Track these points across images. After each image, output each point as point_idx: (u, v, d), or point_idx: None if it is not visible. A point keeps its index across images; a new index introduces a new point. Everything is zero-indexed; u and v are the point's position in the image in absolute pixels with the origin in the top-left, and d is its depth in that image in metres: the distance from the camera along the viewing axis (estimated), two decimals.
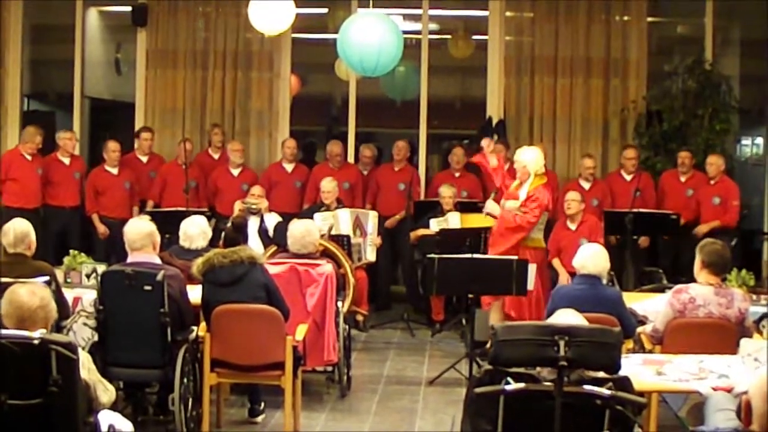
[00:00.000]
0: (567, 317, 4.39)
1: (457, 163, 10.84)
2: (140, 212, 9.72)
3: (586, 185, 10.30)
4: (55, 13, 12.40)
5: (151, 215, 7.43)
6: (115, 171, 10.52)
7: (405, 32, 8.47)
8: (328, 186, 9.81)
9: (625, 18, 11.28)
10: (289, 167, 10.87)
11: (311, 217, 8.97)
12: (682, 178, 10.33)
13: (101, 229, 10.36)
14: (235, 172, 10.69)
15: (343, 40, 7.91)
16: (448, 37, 13.10)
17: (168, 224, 7.78)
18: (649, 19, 11.39)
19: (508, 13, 11.41)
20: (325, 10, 12.74)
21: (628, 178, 10.31)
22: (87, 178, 10.60)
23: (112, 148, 10.49)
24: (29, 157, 10.35)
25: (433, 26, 12.29)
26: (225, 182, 10.62)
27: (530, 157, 8.34)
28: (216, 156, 11.06)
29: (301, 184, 10.78)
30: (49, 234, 10.16)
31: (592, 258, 6.28)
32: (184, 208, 9.24)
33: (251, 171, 10.94)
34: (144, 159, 10.92)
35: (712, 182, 10.04)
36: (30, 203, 10.21)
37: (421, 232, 9.87)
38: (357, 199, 10.66)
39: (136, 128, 11.35)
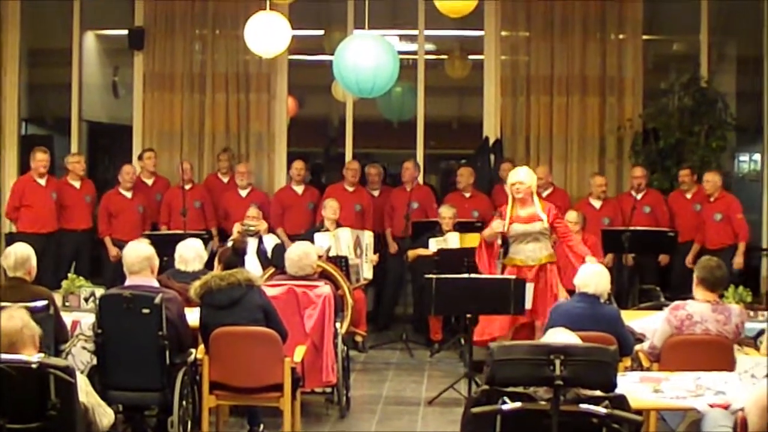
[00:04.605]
0: (559, 335, 4.40)
1: (459, 182, 10.81)
2: None
3: (597, 204, 10.33)
4: (52, 37, 12.46)
5: (149, 238, 7.42)
6: (129, 194, 10.55)
7: (401, 53, 8.48)
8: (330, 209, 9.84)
9: (621, 36, 11.29)
10: (299, 189, 10.88)
11: (311, 239, 8.99)
12: (688, 195, 10.35)
13: (113, 251, 10.30)
14: (243, 193, 10.75)
15: (340, 62, 7.91)
16: (445, 57, 13.13)
17: (166, 247, 7.79)
18: (645, 36, 11.41)
19: (503, 33, 11.43)
20: (321, 32, 12.80)
21: (638, 196, 10.26)
22: (100, 201, 10.63)
23: (128, 171, 10.55)
24: (42, 182, 10.38)
25: (429, 47, 12.33)
26: (234, 204, 10.64)
27: (531, 177, 8.14)
28: (225, 180, 11.11)
29: (313, 206, 10.75)
30: (63, 258, 10.18)
31: (594, 278, 6.28)
32: (182, 231, 9.25)
33: (260, 192, 10.97)
34: (149, 182, 10.95)
35: (711, 199, 10.04)
36: (45, 228, 10.23)
37: (420, 251, 9.86)
38: (368, 223, 10.57)
39: (134, 151, 11.38)
